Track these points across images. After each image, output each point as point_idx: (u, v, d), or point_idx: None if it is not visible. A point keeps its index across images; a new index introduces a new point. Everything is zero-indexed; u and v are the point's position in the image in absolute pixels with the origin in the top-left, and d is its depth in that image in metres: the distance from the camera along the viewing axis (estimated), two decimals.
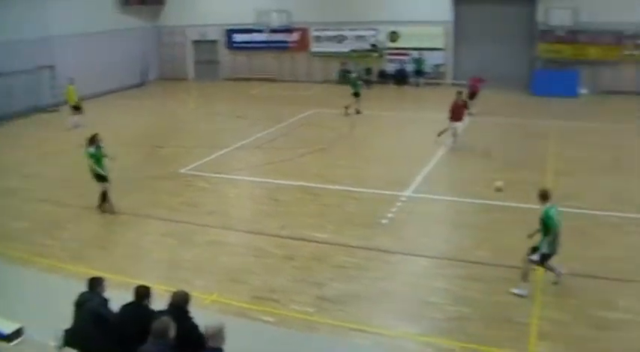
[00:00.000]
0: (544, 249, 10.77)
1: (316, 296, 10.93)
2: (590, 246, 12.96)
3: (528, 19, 33.72)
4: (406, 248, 13.08)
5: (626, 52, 32.34)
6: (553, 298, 10.87)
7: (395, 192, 16.47)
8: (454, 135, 21.34)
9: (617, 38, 32.19)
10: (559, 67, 32.85)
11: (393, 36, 36.48)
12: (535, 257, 10.88)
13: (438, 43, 35.45)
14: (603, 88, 32.54)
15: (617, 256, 12.51)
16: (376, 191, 16.68)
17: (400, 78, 36.25)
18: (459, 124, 21.32)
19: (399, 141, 22.80)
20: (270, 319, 10.20)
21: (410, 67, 36.18)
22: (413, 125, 26.13)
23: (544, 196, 10.85)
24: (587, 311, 10.40)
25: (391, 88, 35.39)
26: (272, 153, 20.93)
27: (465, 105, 21.64)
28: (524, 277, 10.98)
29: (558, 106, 28.71)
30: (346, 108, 27.23)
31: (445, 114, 21.29)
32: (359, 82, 28.14)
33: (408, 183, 17.31)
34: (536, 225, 10.99)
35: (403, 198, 16.07)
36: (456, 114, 21.22)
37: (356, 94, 27.18)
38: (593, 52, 32.63)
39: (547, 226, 10.68)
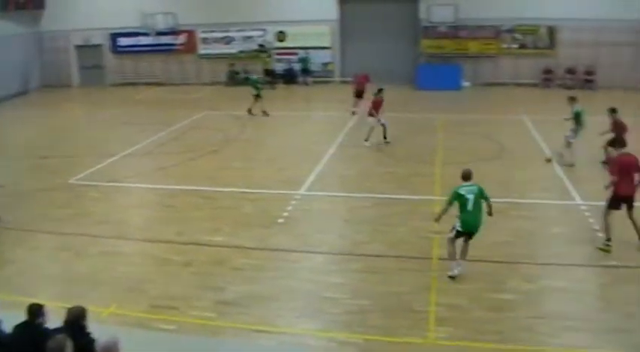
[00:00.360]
0: (457, 226, 11.32)
1: (216, 300, 10.88)
2: (481, 232, 13.46)
3: (411, 16, 34.75)
4: (303, 245, 13.21)
5: (504, 46, 33.93)
6: (449, 284, 11.28)
7: (289, 191, 16.59)
8: (372, 131, 21.53)
9: (496, 33, 33.74)
10: (442, 61, 34.00)
11: (281, 36, 36.64)
12: (451, 234, 11.41)
13: (325, 42, 35.89)
14: (484, 81, 34.01)
15: (505, 240, 13.15)
16: (270, 191, 16.75)
17: (289, 77, 36.48)
18: (373, 119, 21.47)
19: (290, 140, 22.96)
20: (171, 327, 10.07)
21: (298, 67, 36.46)
22: (304, 124, 26.41)
23: (462, 176, 11.46)
24: (482, 295, 10.89)
25: (280, 88, 35.48)
26: (163, 158, 20.61)
27: (381, 102, 21.81)
28: (451, 256, 11.44)
29: (443, 99, 29.71)
30: (264, 112, 27.02)
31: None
32: (259, 84, 28.05)
33: (302, 181, 17.47)
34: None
35: (298, 197, 16.22)
36: (375, 110, 21.46)
37: (257, 96, 27.11)
38: (473, 47, 34.01)
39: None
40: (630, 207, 12.65)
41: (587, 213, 14.69)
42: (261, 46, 36.79)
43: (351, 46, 35.91)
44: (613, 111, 18.27)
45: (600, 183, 16.57)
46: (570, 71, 33.46)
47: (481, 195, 11.32)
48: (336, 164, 19.56)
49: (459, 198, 11.23)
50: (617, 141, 17.34)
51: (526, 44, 33.86)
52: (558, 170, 18.15)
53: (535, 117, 24.88)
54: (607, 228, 12.69)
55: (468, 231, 11.39)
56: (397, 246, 13.01)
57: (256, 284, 11.49)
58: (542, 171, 18.19)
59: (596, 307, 10.64)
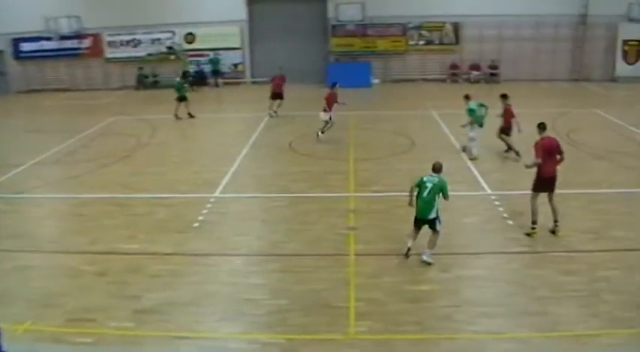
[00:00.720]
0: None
1: (135, 309, 10.67)
2: (396, 226, 13.82)
3: (320, 15, 35.06)
4: (220, 248, 13.13)
5: (411, 43, 34.65)
6: (367, 279, 11.45)
7: (204, 194, 16.45)
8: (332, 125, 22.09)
9: (403, 30, 34.43)
10: (352, 59, 34.42)
11: (189, 37, 36.27)
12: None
13: (234, 43, 35.78)
14: (393, 77, 34.72)
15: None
16: (185, 195, 16.57)
17: (199, 79, 36.09)
18: (325, 114, 21.92)
19: (203, 142, 22.79)
20: (89, 340, 9.83)
21: (207, 68, 36.17)
22: (216, 125, 26.19)
23: (432, 168, 12.26)
24: (400, 287, 11.12)
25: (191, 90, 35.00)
26: (73, 166, 20.04)
27: (335, 96, 22.28)
28: (409, 236, 12.21)
29: (354, 97, 29.86)
30: (176, 115, 26.61)
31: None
32: (184, 86, 27.58)
33: (217, 183, 17.35)
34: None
35: (213, 200, 16.09)
36: (329, 104, 21.96)
37: (182, 98, 26.61)
38: (381, 44, 34.63)
39: None
40: (551, 191, 13.25)
41: (496, 203, 15.26)
42: (169, 48, 36.32)
43: (260, 46, 35.93)
44: (504, 97, 19.26)
45: (506, 173, 17.34)
46: (475, 66, 34.50)
47: (440, 188, 11.93)
48: (250, 164, 19.51)
49: (420, 183, 12.02)
50: (505, 128, 18.51)
51: (432, 41, 34.76)
52: (468, 162, 18.70)
53: (443, 112, 25.56)
54: (533, 212, 13.26)
55: (419, 217, 12.11)
56: (314, 243, 13.13)
57: (175, 290, 11.35)
58: (452, 164, 18.57)
59: (509, 292, 11.01)
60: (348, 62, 34.48)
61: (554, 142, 13.26)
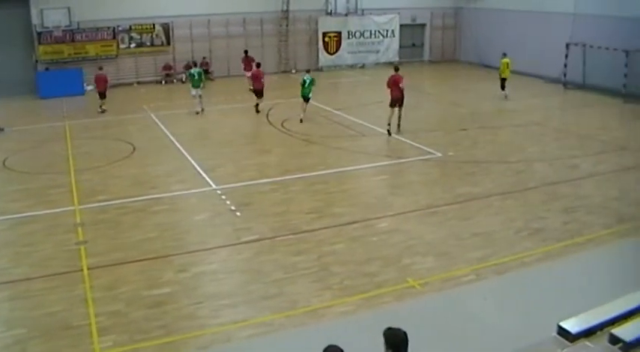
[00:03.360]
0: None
1: None
2: (126, 233, 13.71)
3: (24, 21, 32.70)
4: None
5: (122, 46, 34.02)
6: (105, 292, 11.19)
7: None
8: None
9: (113, 34, 33.64)
10: (62, 67, 32.84)
11: None
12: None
13: None
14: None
15: (152, 236, 13.50)
16: None
17: None
18: None
19: None
20: None
21: None
22: None
23: (305, 71, 23.84)
24: (139, 294, 11.05)
25: None
26: None
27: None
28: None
29: (68, 105, 28.75)
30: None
31: None
32: None
33: None
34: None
35: None
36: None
37: None
38: (92, 49, 33.43)
39: None
40: (400, 106, 21.30)
41: (223, 197, 15.79)
42: None
43: None
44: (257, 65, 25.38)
45: (229, 167, 17.98)
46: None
47: (311, 81, 23.62)
48: None
49: (303, 81, 23.51)
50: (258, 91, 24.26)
51: (144, 43, 34.47)
52: (192, 161, 18.97)
53: (161, 113, 25.65)
54: (389, 118, 21.33)
55: (303, 96, 23.48)
56: (44, 264, 12.44)
57: None
58: (176, 164, 18.87)
59: (247, 280, 11.53)
60: (59, 70, 32.84)
61: (398, 78, 21.24)
